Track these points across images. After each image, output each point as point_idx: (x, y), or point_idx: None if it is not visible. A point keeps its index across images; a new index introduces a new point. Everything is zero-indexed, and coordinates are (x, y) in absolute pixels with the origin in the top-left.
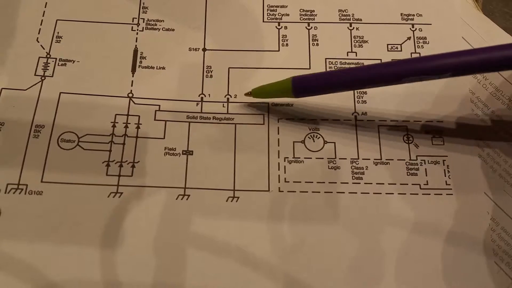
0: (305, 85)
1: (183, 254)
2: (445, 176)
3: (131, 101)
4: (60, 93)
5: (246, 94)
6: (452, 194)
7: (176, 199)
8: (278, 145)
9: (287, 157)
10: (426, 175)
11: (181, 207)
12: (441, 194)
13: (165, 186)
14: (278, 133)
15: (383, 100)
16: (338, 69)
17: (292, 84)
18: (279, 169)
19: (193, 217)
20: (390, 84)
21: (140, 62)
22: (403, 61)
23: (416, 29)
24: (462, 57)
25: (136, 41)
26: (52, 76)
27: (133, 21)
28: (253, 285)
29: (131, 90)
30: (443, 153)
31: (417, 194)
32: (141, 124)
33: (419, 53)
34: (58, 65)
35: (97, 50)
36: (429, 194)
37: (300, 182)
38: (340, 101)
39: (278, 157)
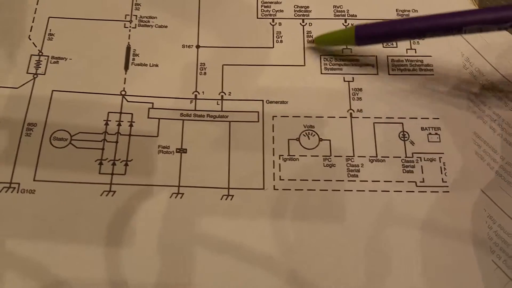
0: (368, 32)
1: (177, 252)
2: (442, 173)
3: (124, 98)
4: (53, 91)
5: (309, 42)
6: (448, 192)
7: (170, 197)
8: (273, 143)
9: (282, 155)
10: (422, 173)
11: (175, 205)
12: (438, 192)
13: (158, 185)
14: (273, 131)
15: (379, 97)
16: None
17: (356, 31)
18: (274, 167)
19: (187, 216)
20: (450, 34)
21: (133, 59)
22: (465, 11)
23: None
24: None
25: (129, 38)
26: (44, 74)
27: (125, 18)
28: (251, 284)
29: (124, 88)
30: (440, 150)
31: (413, 191)
32: (134, 122)
33: (415, 50)
34: (50, 62)
35: (89, 47)
36: (425, 191)
37: (295, 180)
38: (335, 98)
39: (273, 155)
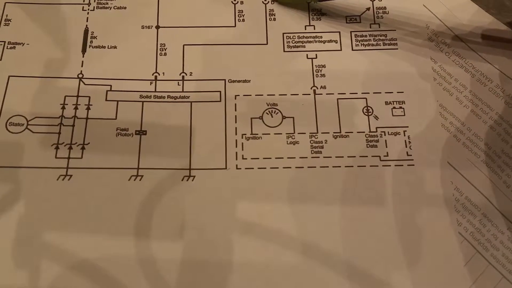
0: None
1: (136, 233)
2: (406, 147)
3: (81, 82)
4: (9, 76)
5: None
6: (413, 165)
7: (129, 180)
8: (236, 122)
9: (245, 134)
10: (386, 147)
11: (133, 187)
12: (402, 165)
13: (116, 167)
14: (235, 110)
15: (342, 73)
16: None
17: None
18: (236, 146)
19: (146, 198)
20: None
21: (91, 42)
22: None
23: None
24: None
25: (87, 21)
26: (0, 60)
27: (84, 1)
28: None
29: (81, 71)
30: (404, 123)
31: (377, 166)
32: (91, 105)
33: (379, 24)
34: (7, 48)
35: (46, 32)
36: (390, 165)
37: (258, 158)
38: (298, 75)
39: (236, 134)
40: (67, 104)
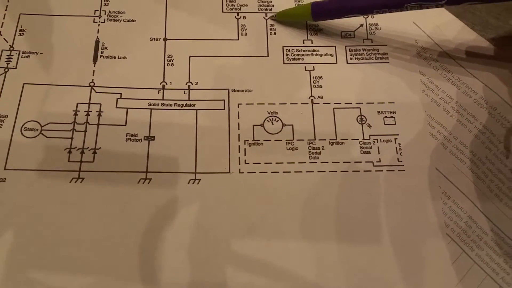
0: (322, 9)
1: (143, 237)
2: (397, 153)
3: (92, 90)
4: (24, 84)
5: (271, 17)
6: (404, 171)
7: (138, 183)
8: (238, 129)
9: (247, 140)
10: (379, 153)
11: (142, 190)
12: (393, 171)
13: (126, 171)
14: (238, 118)
15: (338, 84)
16: None
17: (312, 8)
18: (239, 152)
19: (154, 200)
20: (394, 11)
21: (102, 52)
22: None
23: (368, 16)
24: None
25: (98, 32)
26: (15, 68)
27: (95, 14)
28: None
29: (93, 80)
30: (395, 132)
31: (370, 171)
32: (102, 112)
33: (371, 39)
34: (21, 57)
35: (59, 42)
36: (382, 170)
37: (259, 163)
38: (297, 86)
39: (239, 140)
40: (79, 111)
